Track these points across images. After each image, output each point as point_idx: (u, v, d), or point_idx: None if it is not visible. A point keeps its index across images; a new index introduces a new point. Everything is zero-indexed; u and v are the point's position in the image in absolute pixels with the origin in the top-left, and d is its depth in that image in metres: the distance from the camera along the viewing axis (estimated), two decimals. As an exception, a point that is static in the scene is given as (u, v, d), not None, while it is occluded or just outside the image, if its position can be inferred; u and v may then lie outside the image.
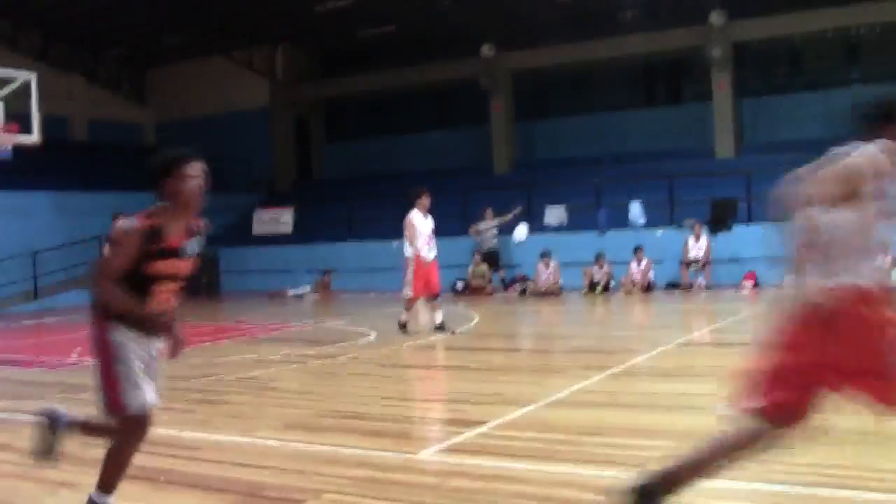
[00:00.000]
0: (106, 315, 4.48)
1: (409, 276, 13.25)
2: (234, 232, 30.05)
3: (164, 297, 4.60)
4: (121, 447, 4.72)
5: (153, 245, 4.44)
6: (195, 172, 4.54)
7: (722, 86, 26.52)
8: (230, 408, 8.04)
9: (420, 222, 13.25)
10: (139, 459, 6.13)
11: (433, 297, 13.48)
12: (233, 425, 7.23)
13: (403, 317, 13.36)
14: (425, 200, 13.38)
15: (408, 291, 13.31)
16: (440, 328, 13.19)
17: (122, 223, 4.54)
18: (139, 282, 4.45)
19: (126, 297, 4.41)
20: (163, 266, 4.50)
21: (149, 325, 4.53)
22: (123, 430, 4.66)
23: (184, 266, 4.63)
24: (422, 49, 30.64)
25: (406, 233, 13.34)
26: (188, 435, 6.91)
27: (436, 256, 13.52)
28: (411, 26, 30.20)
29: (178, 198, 4.54)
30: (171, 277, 4.60)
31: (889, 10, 22.62)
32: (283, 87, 33.87)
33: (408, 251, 13.32)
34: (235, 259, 27.95)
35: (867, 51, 27.29)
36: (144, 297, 4.49)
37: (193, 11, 30.05)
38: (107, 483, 4.77)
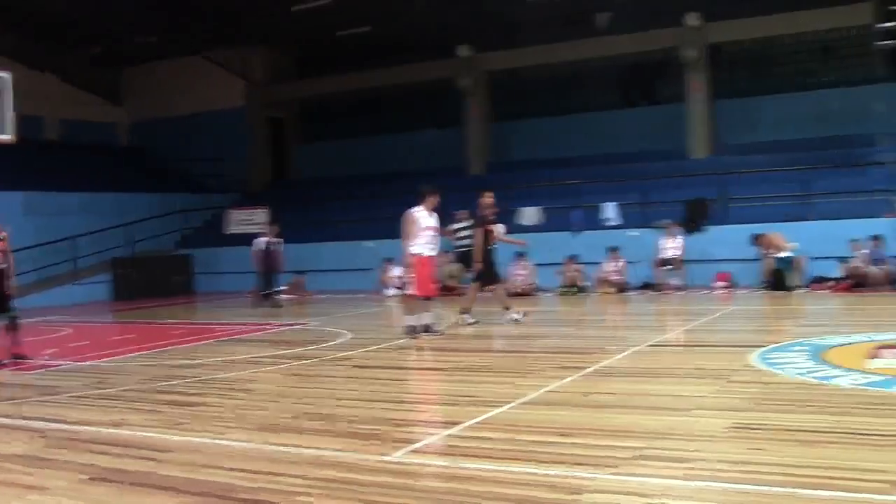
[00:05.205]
0: None
1: (412, 274, 13.03)
2: (209, 232, 29.97)
3: None
4: None
5: None
6: None
7: (697, 87, 26.65)
8: (203, 409, 8.02)
9: (423, 218, 13.09)
10: (109, 462, 6.14)
11: (428, 297, 13.37)
12: (206, 427, 7.21)
13: (409, 320, 13.20)
14: (433, 199, 13.23)
15: (410, 290, 13.13)
16: (428, 330, 13.15)
17: None
18: None
19: None
20: None
21: None
22: None
23: None
24: (398, 50, 30.64)
25: (404, 228, 13.04)
26: (160, 437, 6.89)
27: (435, 255, 13.42)
28: (388, 27, 30.18)
29: None
30: None
31: (861, 14, 22.82)
32: (259, 87, 33.79)
33: (411, 248, 13.01)
34: (210, 260, 27.86)
35: (840, 54, 27.50)
36: None
37: (169, 11, 29.92)
38: None
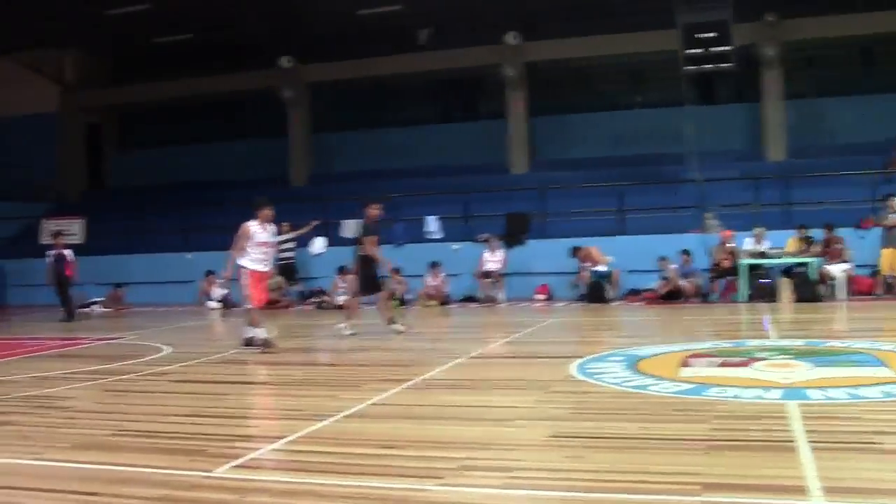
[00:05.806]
0: None
1: (246, 288, 12.89)
2: (20, 242, 28.76)
3: None
4: None
5: None
6: None
7: (516, 104, 27.28)
8: (15, 429, 7.69)
9: (256, 232, 12.92)
10: (-87, 486, 5.81)
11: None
12: (18, 447, 6.90)
13: (248, 332, 13.00)
14: (267, 212, 13.10)
15: (248, 304, 12.97)
16: (250, 343, 12.98)
17: None
18: None
19: None
20: None
21: None
22: None
23: None
24: (220, 58, 30.23)
25: (236, 241, 12.83)
26: (-33, 458, 6.58)
27: (267, 269, 13.31)
28: (210, 35, 29.73)
29: None
30: None
31: (669, 40, 23.87)
32: (74, 92, 32.65)
33: (239, 261, 12.84)
34: (23, 271, 26.69)
35: (651, 76, 28.70)
36: None
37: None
38: None
